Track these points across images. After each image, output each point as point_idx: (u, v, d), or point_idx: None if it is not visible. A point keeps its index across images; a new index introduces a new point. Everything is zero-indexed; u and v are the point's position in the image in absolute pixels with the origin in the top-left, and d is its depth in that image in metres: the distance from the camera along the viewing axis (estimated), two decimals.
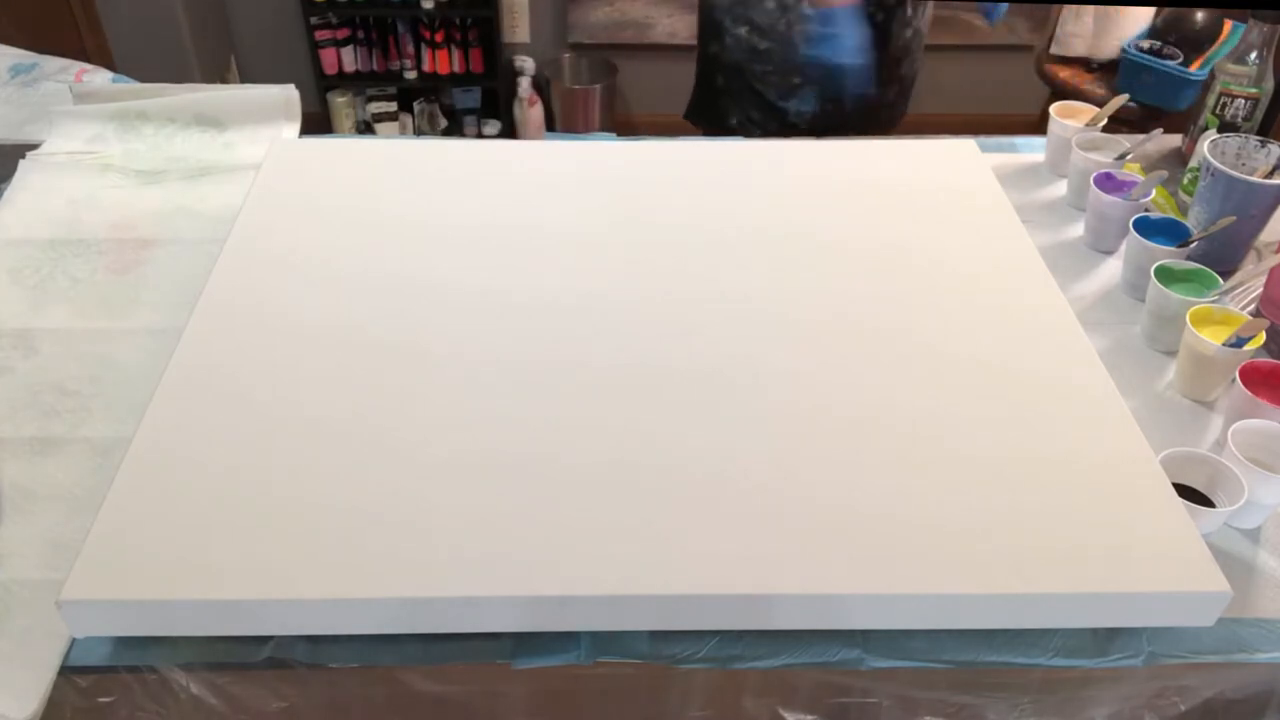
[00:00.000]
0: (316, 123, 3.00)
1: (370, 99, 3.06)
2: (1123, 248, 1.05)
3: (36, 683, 0.68)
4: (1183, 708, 0.80)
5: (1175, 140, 1.27)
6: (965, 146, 1.14)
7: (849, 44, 1.02)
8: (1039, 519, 0.71)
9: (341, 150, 1.10)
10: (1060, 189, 1.19)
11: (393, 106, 3.08)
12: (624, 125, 3.04)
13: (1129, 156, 1.12)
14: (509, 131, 3.09)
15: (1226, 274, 1.02)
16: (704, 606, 0.68)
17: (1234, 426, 0.80)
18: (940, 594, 0.67)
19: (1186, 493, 0.77)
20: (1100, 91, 2.44)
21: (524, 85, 2.99)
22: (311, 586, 0.66)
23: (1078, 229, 1.12)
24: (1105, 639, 0.73)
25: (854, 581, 0.67)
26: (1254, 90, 1.14)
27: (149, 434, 0.75)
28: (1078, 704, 0.80)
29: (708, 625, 0.70)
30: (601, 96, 2.93)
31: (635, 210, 1.00)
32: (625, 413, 0.78)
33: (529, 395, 0.80)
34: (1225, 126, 1.15)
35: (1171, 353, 0.95)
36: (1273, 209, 1.03)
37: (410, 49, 2.96)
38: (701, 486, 0.73)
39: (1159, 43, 2.33)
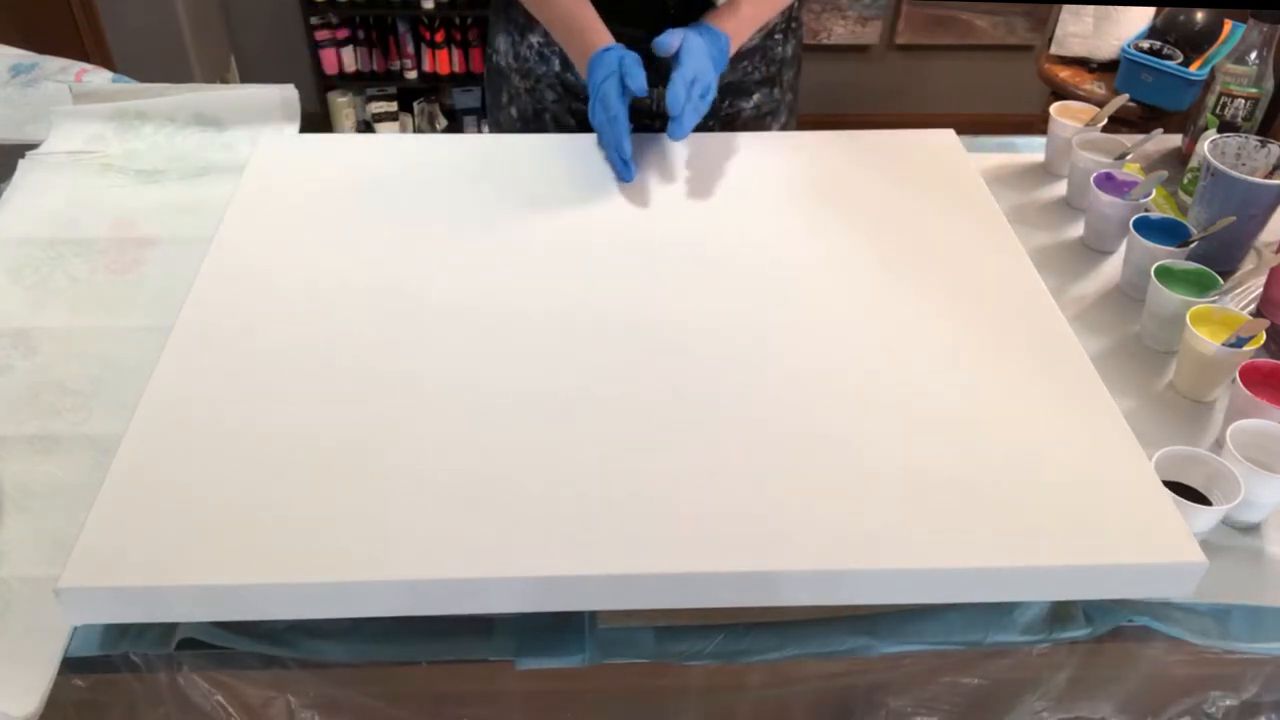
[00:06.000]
0: (316, 123, 3.01)
1: (370, 99, 3.07)
2: (1123, 248, 1.05)
3: (37, 680, 0.68)
4: (1192, 701, 0.81)
5: (1175, 140, 1.27)
6: (944, 136, 1.14)
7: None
8: (1023, 498, 0.72)
9: (329, 147, 1.10)
10: (1060, 189, 1.19)
11: (393, 106, 3.08)
12: None
13: (1129, 156, 1.13)
14: None
15: (1226, 274, 1.02)
16: (710, 583, 0.68)
17: (1233, 426, 0.80)
18: (935, 568, 0.69)
19: (1184, 491, 0.78)
20: (1100, 91, 2.44)
21: None
22: (310, 571, 0.66)
23: (1078, 229, 1.12)
24: (1104, 618, 0.75)
25: (854, 558, 0.68)
26: (1254, 90, 1.14)
27: (143, 423, 0.75)
28: (1091, 693, 0.80)
29: (714, 602, 0.70)
30: None
31: (627, 203, 1.01)
32: (626, 399, 0.79)
33: (528, 379, 0.80)
34: (1225, 126, 1.15)
35: (1171, 353, 0.95)
36: (1273, 209, 1.03)
37: (410, 49, 2.96)
38: (703, 468, 0.73)
39: (1159, 43, 2.33)
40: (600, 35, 1.06)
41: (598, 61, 1.03)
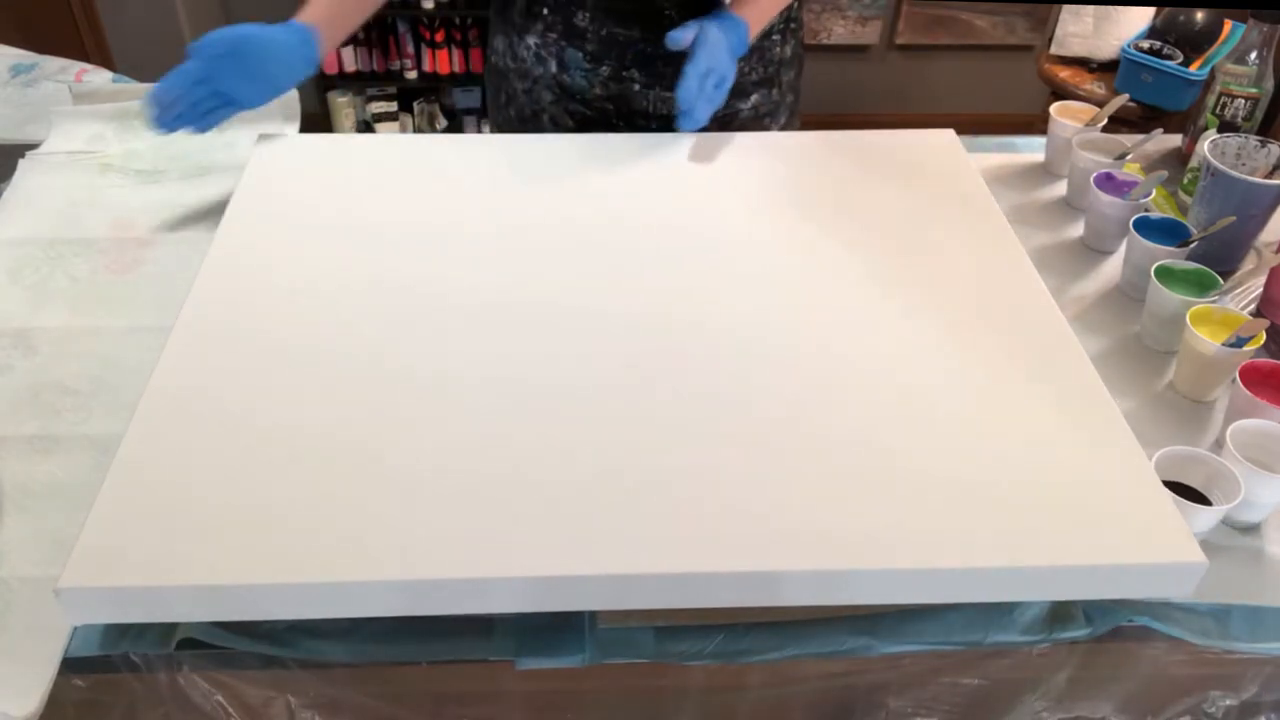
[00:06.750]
0: (317, 123, 3.00)
1: (370, 99, 3.07)
2: (1123, 248, 1.05)
3: (37, 680, 0.68)
4: (1192, 700, 0.81)
5: (1175, 140, 1.27)
6: (944, 136, 1.14)
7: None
8: (1023, 498, 0.73)
9: (329, 147, 1.10)
10: (1060, 189, 1.19)
11: (393, 106, 3.08)
12: None
13: (1129, 156, 1.13)
14: None
15: (1226, 274, 1.02)
16: (710, 583, 0.68)
17: (1232, 426, 0.80)
18: (935, 568, 0.69)
19: (1184, 491, 0.78)
20: (1100, 91, 2.44)
21: None
22: (310, 571, 0.66)
23: (1078, 229, 1.12)
24: (1104, 618, 0.75)
25: (854, 558, 0.69)
26: (1254, 90, 1.14)
27: (143, 423, 0.75)
28: (1091, 693, 0.80)
29: (714, 602, 0.71)
30: None
31: (622, 204, 1.01)
32: (627, 399, 0.79)
33: (528, 379, 0.80)
34: (1225, 126, 1.15)
35: (1171, 353, 0.95)
36: (1273, 209, 1.03)
37: (410, 49, 2.96)
38: (703, 468, 0.73)
39: (1159, 43, 2.33)
40: (308, 10, 1.02)
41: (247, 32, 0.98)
